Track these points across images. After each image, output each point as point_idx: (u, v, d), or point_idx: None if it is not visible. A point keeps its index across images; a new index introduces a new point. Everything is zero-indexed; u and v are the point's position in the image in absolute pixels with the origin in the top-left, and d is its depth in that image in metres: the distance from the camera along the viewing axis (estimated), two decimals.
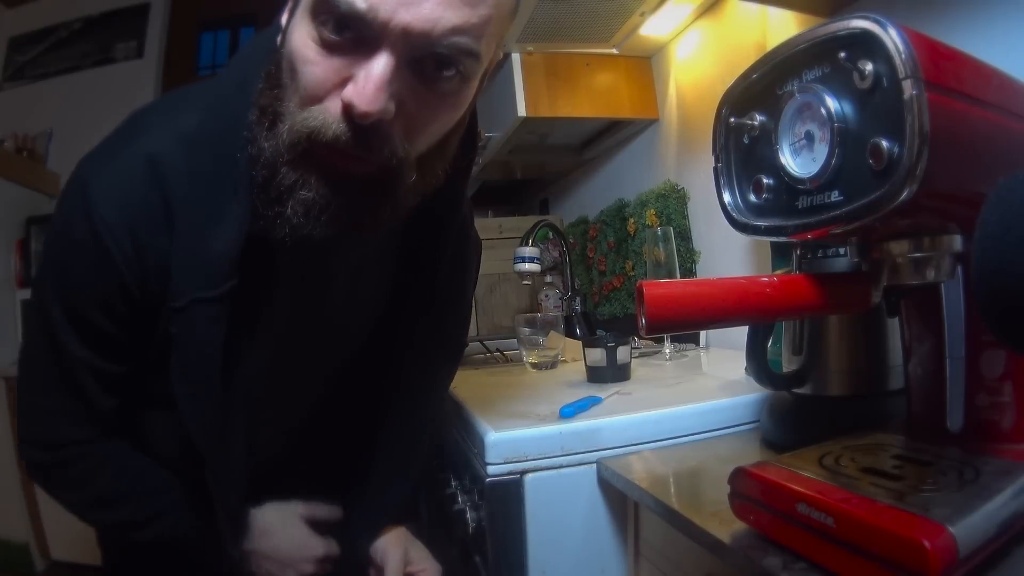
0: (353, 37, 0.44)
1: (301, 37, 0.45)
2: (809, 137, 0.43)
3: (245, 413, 0.59)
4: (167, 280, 0.53)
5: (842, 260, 0.57)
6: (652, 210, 1.37)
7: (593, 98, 1.38)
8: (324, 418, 0.76)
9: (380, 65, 0.43)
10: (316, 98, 0.46)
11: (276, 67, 0.49)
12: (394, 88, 0.44)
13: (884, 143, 0.37)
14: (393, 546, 0.71)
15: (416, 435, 0.75)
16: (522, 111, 1.33)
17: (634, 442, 0.68)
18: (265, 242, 0.52)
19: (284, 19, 0.51)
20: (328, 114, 0.45)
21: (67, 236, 0.54)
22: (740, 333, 0.62)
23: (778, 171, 0.46)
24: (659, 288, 0.42)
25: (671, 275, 1.10)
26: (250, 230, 0.52)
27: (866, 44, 0.38)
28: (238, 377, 0.57)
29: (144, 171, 0.52)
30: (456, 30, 0.44)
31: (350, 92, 0.44)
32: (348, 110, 0.44)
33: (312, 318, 0.65)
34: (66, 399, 0.58)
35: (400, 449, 0.74)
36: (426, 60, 0.45)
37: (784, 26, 0.98)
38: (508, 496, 0.66)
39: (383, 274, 0.70)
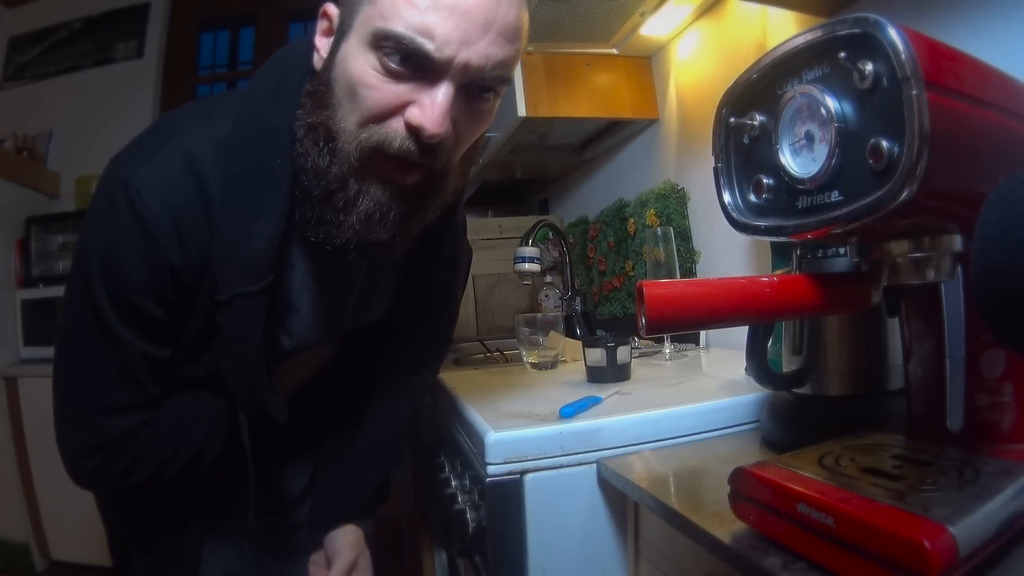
0: (416, 67, 0.50)
1: (361, 65, 0.52)
2: (809, 137, 0.43)
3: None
4: (205, 269, 0.57)
5: (842, 260, 0.57)
6: (652, 210, 1.37)
7: (593, 98, 1.38)
8: (315, 401, 0.79)
9: (443, 93, 0.51)
10: (378, 119, 0.52)
11: (326, 88, 0.54)
12: (452, 111, 0.52)
13: (884, 143, 0.37)
14: (348, 547, 0.74)
15: (396, 422, 0.78)
16: (522, 111, 1.33)
17: (634, 442, 0.68)
18: (304, 241, 0.59)
19: (321, 41, 0.57)
20: (391, 130, 0.52)
21: (112, 227, 0.55)
22: (740, 333, 0.62)
23: (778, 171, 0.46)
24: (659, 288, 0.42)
25: (671, 275, 1.10)
26: (289, 231, 0.58)
27: (866, 44, 0.38)
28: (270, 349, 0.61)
29: (182, 165, 0.56)
30: (501, 64, 0.52)
31: (417, 115, 0.51)
32: (417, 131, 0.51)
33: (333, 311, 0.68)
34: (120, 392, 0.59)
35: (380, 434, 0.76)
36: (473, 86, 0.53)
37: (784, 26, 0.98)
38: (508, 496, 0.66)
39: (390, 275, 0.73)
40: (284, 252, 0.60)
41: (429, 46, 0.49)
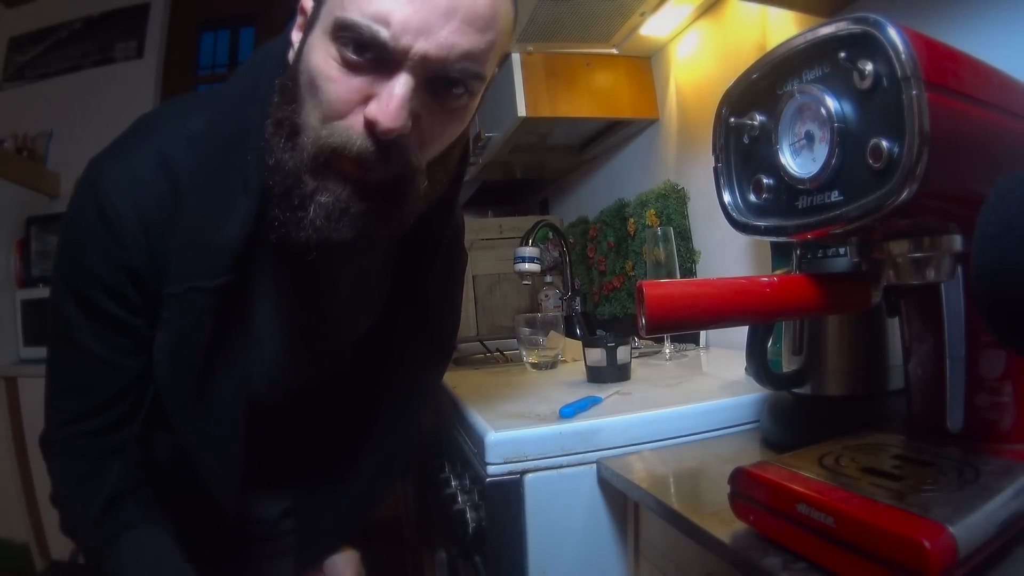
0: (374, 58, 0.47)
1: (322, 57, 0.49)
2: (809, 137, 0.43)
3: (240, 411, 0.60)
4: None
5: (842, 260, 0.57)
6: (652, 210, 1.37)
7: (593, 98, 1.38)
8: (314, 420, 0.77)
9: (401, 85, 0.47)
10: (339, 114, 0.49)
11: (293, 82, 0.52)
12: (412, 105, 0.48)
13: (884, 143, 0.37)
14: (350, 568, 0.72)
15: (401, 440, 0.76)
16: (522, 111, 1.33)
17: (634, 442, 0.68)
18: (275, 247, 0.55)
19: (296, 36, 0.54)
20: (352, 130, 0.49)
21: (78, 226, 0.55)
22: (740, 333, 0.62)
23: (778, 171, 0.46)
24: (659, 288, 0.42)
25: (671, 275, 1.10)
26: (259, 234, 0.55)
27: (866, 44, 0.38)
28: (228, 374, 0.58)
29: (155, 166, 0.54)
30: (467, 55, 0.48)
31: (374, 110, 0.47)
32: (372, 126, 0.48)
33: (310, 323, 0.66)
34: (74, 399, 0.58)
35: (384, 452, 0.74)
36: (438, 80, 0.49)
37: (784, 26, 0.98)
38: (508, 496, 0.66)
39: (379, 283, 0.71)
40: (255, 256, 0.57)
41: (384, 34, 0.46)
